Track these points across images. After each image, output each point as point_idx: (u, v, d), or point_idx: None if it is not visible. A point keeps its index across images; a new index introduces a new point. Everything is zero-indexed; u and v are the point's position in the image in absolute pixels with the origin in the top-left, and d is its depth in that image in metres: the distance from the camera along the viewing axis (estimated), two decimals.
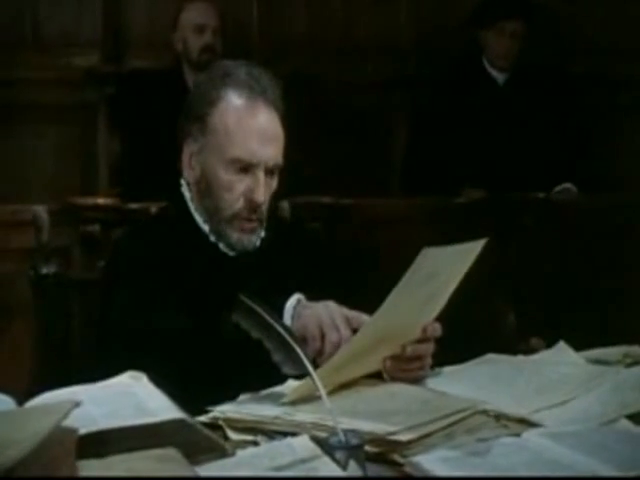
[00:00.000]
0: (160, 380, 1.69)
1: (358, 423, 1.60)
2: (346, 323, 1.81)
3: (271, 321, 1.53)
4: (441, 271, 1.80)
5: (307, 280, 2.09)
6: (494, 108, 4.32)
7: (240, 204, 2.05)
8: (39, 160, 4.36)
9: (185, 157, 2.12)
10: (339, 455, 1.44)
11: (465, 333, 3.13)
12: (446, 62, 4.44)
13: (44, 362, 2.25)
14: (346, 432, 1.46)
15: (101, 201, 3.07)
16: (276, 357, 1.55)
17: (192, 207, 2.12)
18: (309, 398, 1.70)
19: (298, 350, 1.52)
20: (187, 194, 2.13)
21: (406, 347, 1.86)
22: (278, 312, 1.82)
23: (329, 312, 1.82)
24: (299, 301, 1.87)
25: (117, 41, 4.51)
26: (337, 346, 1.76)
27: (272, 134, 2.06)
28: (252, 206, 2.05)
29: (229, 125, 2.04)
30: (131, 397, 1.60)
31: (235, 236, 2.06)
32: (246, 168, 2.04)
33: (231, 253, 2.09)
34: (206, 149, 2.07)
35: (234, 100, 2.05)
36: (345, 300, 1.91)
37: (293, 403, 1.69)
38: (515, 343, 3.14)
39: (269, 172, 2.07)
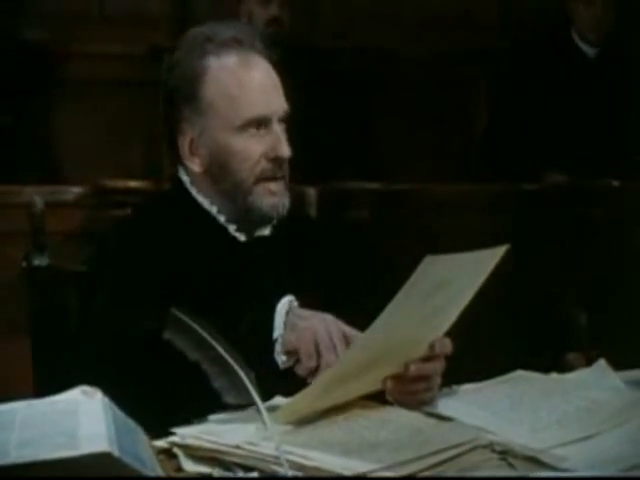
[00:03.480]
0: (138, 394, 1.51)
1: (328, 459, 1.37)
2: (343, 342, 1.60)
3: (211, 340, 1.30)
4: (452, 281, 1.55)
5: (326, 277, 1.87)
6: (583, 84, 4.01)
7: (262, 165, 1.84)
8: (99, 137, 4.23)
9: (184, 147, 1.88)
10: None
11: (533, 336, 2.87)
12: (531, 34, 4.12)
13: (37, 360, 2.08)
14: (297, 476, 1.23)
15: (133, 184, 2.89)
16: (217, 383, 1.32)
17: (194, 191, 1.89)
18: (293, 423, 1.48)
19: (243, 376, 1.29)
20: (185, 178, 1.91)
21: (409, 366, 1.61)
22: (267, 315, 1.62)
23: (326, 328, 1.60)
24: (291, 305, 1.64)
25: (183, 16, 4.34)
26: None
27: (273, 83, 1.88)
28: (277, 162, 1.84)
29: (229, 89, 1.84)
30: (70, 420, 1.40)
31: (268, 203, 1.84)
32: (263, 124, 1.84)
33: (241, 237, 1.87)
34: (209, 128, 1.85)
35: (225, 61, 1.85)
36: (373, 303, 1.68)
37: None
38: (586, 348, 2.84)
39: (280, 123, 1.87)
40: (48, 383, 1.97)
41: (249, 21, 4.04)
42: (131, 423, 1.49)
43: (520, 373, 1.84)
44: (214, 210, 1.88)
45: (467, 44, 4.29)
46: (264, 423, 1.28)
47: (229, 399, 1.36)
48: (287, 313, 1.63)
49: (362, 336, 1.54)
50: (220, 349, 1.29)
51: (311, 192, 2.32)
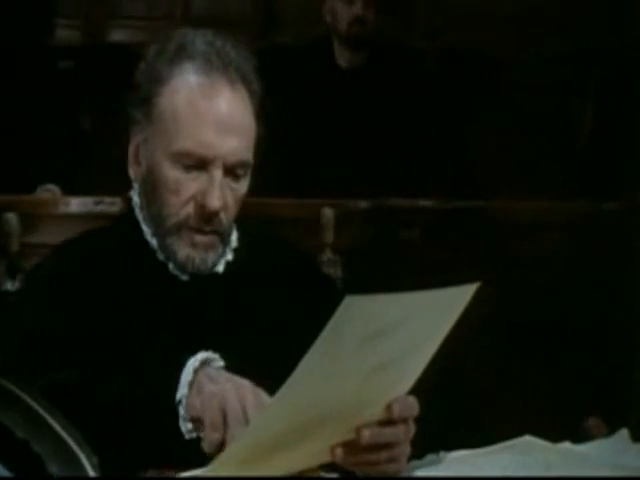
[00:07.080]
0: None
1: None
2: None
3: (44, 414, 1.02)
4: (399, 327, 1.23)
5: (289, 323, 1.60)
6: None
7: (189, 210, 1.58)
8: None
9: (131, 150, 1.65)
10: None
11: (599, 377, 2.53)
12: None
13: None
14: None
15: None
16: (52, 468, 1.03)
17: (140, 216, 1.65)
18: None
19: (83, 459, 1.01)
20: (135, 199, 1.67)
21: (362, 431, 1.30)
22: (175, 373, 1.34)
23: (239, 396, 1.32)
24: (204, 363, 1.37)
25: (267, 16, 4.15)
26: None
27: (235, 121, 1.58)
28: (204, 213, 1.56)
29: (178, 109, 1.57)
30: None
31: (184, 252, 1.58)
32: (199, 165, 1.57)
33: (183, 277, 1.62)
34: (152, 139, 1.61)
35: (187, 77, 1.58)
36: None
37: None
38: None
39: (230, 172, 1.58)
40: None
41: (332, 20, 3.80)
42: None
43: (527, 439, 1.51)
44: (154, 243, 1.62)
45: (572, 44, 3.91)
46: None
47: None
48: (196, 372, 1.35)
49: (275, 398, 1.23)
50: (56, 426, 1.01)
51: (328, 213, 2.02)
